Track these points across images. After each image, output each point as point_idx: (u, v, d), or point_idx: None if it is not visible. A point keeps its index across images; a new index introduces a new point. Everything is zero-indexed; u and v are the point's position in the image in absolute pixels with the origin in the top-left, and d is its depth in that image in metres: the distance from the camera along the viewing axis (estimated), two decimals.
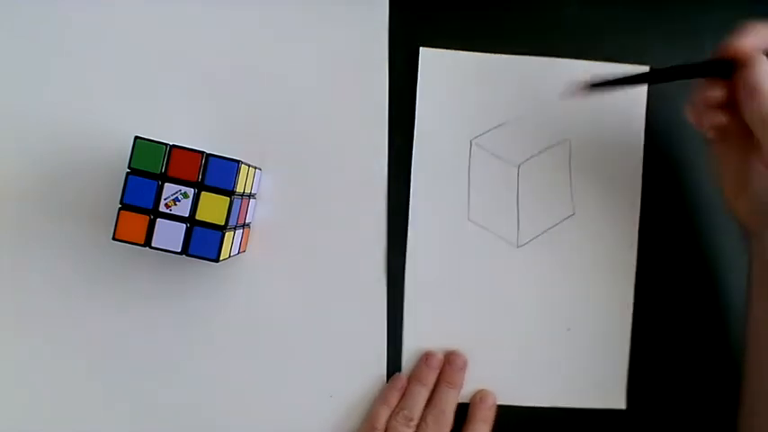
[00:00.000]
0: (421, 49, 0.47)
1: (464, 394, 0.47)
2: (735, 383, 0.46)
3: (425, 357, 0.46)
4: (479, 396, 0.47)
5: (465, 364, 0.46)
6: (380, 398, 0.46)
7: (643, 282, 0.47)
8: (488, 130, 0.48)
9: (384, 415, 0.45)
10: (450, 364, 0.46)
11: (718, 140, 0.41)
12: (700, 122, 0.40)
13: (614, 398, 0.47)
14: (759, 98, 0.35)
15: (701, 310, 0.48)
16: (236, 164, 0.40)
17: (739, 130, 0.38)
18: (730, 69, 0.37)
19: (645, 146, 0.47)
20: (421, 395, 0.46)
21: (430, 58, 0.47)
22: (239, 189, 0.41)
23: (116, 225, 0.40)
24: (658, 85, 0.47)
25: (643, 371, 0.47)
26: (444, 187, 0.47)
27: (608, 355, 0.47)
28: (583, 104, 0.47)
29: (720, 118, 0.39)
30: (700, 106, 0.40)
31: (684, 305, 0.48)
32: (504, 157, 0.47)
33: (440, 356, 0.46)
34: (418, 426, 0.45)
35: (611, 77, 0.41)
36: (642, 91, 0.47)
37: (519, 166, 0.47)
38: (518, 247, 0.48)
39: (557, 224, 0.48)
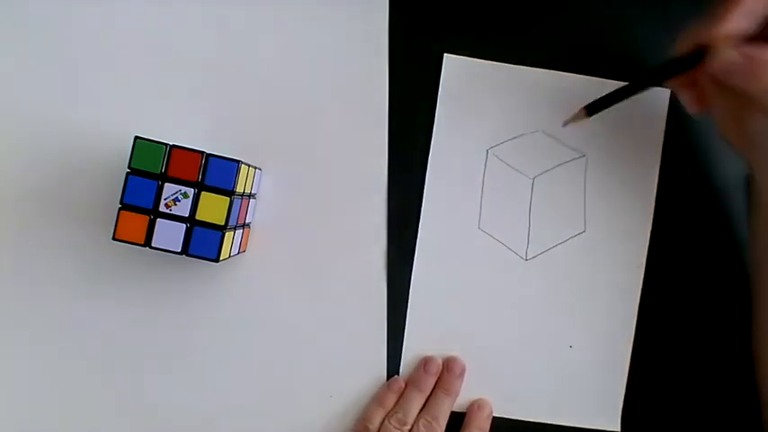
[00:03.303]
0: (445, 55, 0.47)
1: (461, 403, 0.47)
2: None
3: (424, 363, 0.46)
4: (477, 404, 0.46)
5: (463, 372, 0.46)
6: (376, 399, 0.46)
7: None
8: (506, 141, 0.47)
9: (378, 416, 0.45)
10: (448, 371, 0.46)
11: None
12: (701, 108, 0.41)
13: (609, 419, 0.47)
14: (760, 72, 0.34)
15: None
16: (236, 164, 0.40)
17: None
18: (701, 56, 0.37)
19: (661, 168, 0.47)
20: (416, 400, 0.46)
21: (453, 65, 0.47)
22: (239, 189, 0.41)
23: (116, 225, 0.40)
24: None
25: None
26: (457, 194, 0.47)
27: (606, 375, 0.47)
28: (602, 123, 0.47)
29: (711, 94, 0.39)
30: (690, 96, 0.41)
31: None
32: (519, 169, 0.47)
33: (439, 362, 0.46)
34: (410, 430, 0.45)
35: (603, 96, 0.42)
36: (662, 114, 0.47)
37: (534, 179, 0.47)
38: (526, 259, 0.47)
39: (567, 240, 0.47)
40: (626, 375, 0.47)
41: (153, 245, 0.40)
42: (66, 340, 0.46)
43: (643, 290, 0.47)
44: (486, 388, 0.47)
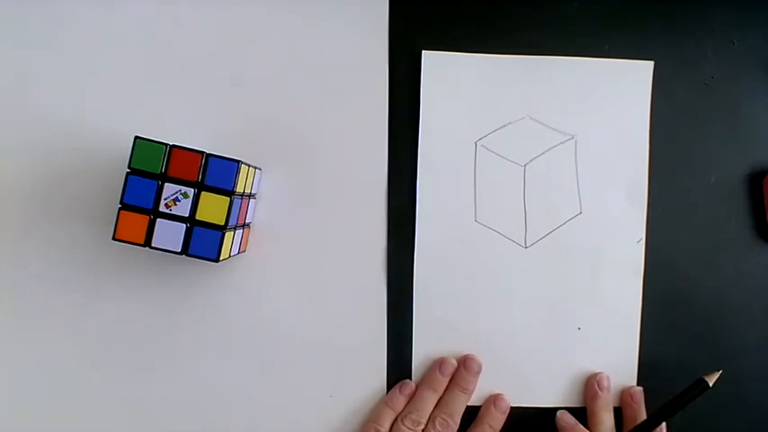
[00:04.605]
0: (423, 52, 0.47)
1: (473, 397, 0.47)
2: (741, 375, 0.47)
3: (439, 364, 0.46)
4: (494, 400, 0.46)
5: (480, 370, 0.46)
6: (384, 401, 0.46)
7: (652, 277, 0.47)
8: (493, 131, 0.48)
9: (387, 417, 0.45)
10: (465, 369, 0.46)
11: None
12: None
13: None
14: None
15: (709, 304, 0.48)
16: (236, 164, 0.40)
17: None
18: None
19: (650, 140, 0.48)
20: (430, 400, 0.46)
21: (432, 61, 0.47)
22: (239, 189, 0.41)
23: (116, 225, 0.40)
24: (662, 79, 0.47)
25: (653, 368, 0.47)
26: (451, 189, 0.47)
27: (618, 353, 0.47)
28: (586, 101, 0.47)
29: None
30: None
31: (692, 300, 0.48)
32: (509, 158, 0.47)
33: (453, 363, 0.46)
34: (425, 428, 0.45)
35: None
36: (646, 85, 0.47)
37: (525, 166, 0.47)
38: (526, 247, 0.48)
39: (564, 223, 0.48)
40: (637, 351, 0.47)
41: (153, 245, 0.40)
42: (66, 340, 0.46)
43: (646, 262, 0.47)
44: (499, 379, 0.47)
